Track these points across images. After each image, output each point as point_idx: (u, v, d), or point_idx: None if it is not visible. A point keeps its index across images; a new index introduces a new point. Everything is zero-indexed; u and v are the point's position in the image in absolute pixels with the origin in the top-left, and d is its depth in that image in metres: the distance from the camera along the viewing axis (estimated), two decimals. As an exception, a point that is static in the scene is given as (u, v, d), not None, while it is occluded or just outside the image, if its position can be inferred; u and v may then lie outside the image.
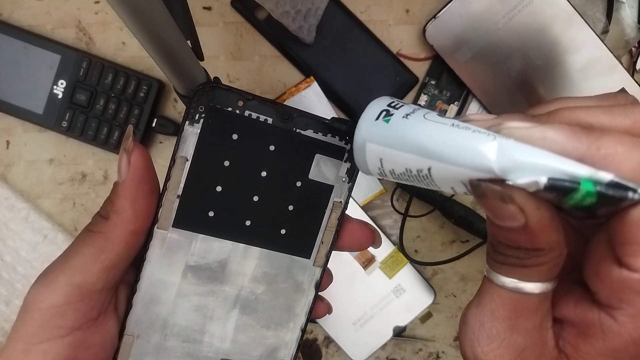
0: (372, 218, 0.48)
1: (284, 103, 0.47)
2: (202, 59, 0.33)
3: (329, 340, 0.51)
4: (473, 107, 0.48)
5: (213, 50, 0.48)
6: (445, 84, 0.48)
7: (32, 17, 0.48)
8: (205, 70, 0.34)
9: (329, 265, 0.27)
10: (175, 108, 0.49)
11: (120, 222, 0.22)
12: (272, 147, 0.24)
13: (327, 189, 0.25)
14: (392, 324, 0.48)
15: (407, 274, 0.48)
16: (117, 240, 0.22)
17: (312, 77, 0.47)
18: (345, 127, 0.24)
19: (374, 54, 0.48)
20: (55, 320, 0.21)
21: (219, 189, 0.24)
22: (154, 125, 0.47)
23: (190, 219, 0.24)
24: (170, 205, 0.24)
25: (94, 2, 0.48)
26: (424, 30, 0.47)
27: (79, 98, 0.46)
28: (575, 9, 0.45)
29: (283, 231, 0.25)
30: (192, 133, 0.23)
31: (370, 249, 0.47)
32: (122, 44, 0.48)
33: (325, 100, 0.47)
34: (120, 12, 0.25)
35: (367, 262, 0.48)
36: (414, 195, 0.49)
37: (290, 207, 0.25)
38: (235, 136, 0.24)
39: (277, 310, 0.26)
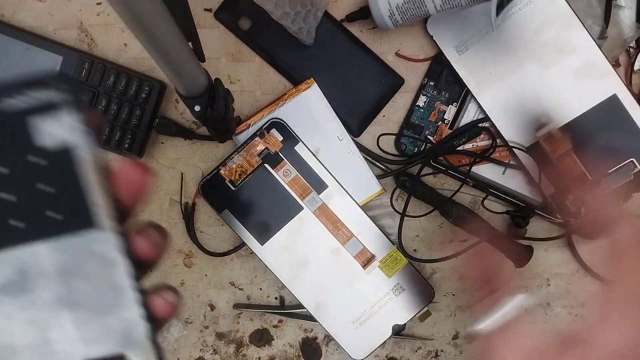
0: (371, 218, 0.48)
1: (282, 102, 0.47)
2: (203, 60, 0.34)
3: (328, 338, 0.51)
4: (472, 108, 0.48)
5: (214, 52, 0.49)
6: (444, 85, 0.49)
7: (34, 18, 0.48)
8: (206, 71, 0.35)
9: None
10: (176, 109, 0.49)
11: None
12: None
13: (68, 150, 0.23)
14: (392, 322, 0.48)
15: (406, 273, 0.48)
16: None
17: (312, 79, 0.48)
18: (52, 78, 0.22)
19: (358, 58, 0.48)
20: None
21: None
22: (155, 125, 0.47)
23: None
24: None
25: (95, 4, 0.49)
26: (425, 21, 0.47)
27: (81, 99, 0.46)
28: (574, 12, 0.45)
29: (52, 214, 0.24)
30: None
31: (370, 249, 0.48)
32: (123, 45, 0.49)
33: (325, 102, 0.48)
34: (122, 14, 0.25)
35: (367, 262, 0.48)
36: (413, 195, 0.49)
37: (45, 187, 0.23)
38: None
39: (102, 294, 0.25)
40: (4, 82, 0.22)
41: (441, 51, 0.48)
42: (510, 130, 0.47)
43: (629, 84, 0.50)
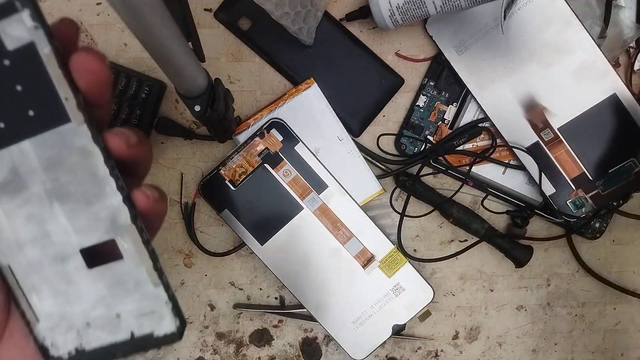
0: (371, 218, 0.48)
1: (282, 102, 0.47)
2: (203, 60, 0.34)
3: (329, 338, 0.51)
4: (472, 108, 0.48)
5: (214, 52, 0.49)
6: (444, 85, 0.49)
7: (34, 19, 0.48)
8: (206, 71, 0.35)
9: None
10: (176, 109, 0.49)
11: None
12: None
13: (28, 47, 0.24)
14: (392, 322, 0.49)
15: (406, 273, 0.48)
16: None
17: (312, 79, 0.48)
18: None
19: (358, 58, 0.48)
20: None
21: None
22: (155, 125, 0.47)
23: None
24: None
25: (95, 4, 0.49)
26: (425, 21, 0.47)
27: (81, 99, 0.46)
28: (574, 12, 0.45)
29: (31, 112, 0.25)
30: None
31: (370, 250, 0.48)
32: (123, 45, 0.49)
33: (325, 102, 0.48)
34: (122, 14, 0.25)
35: (367, 262, 0.48)
36: (413, 195, 0.49)
37: (18, 87, 0.25)
38: None
39: (85, 184, 0.26)
40: None
41: (441, 51, 0.48)
42: (510, 130, 0.47)
43: (629, 84, 0.50)
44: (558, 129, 0.47)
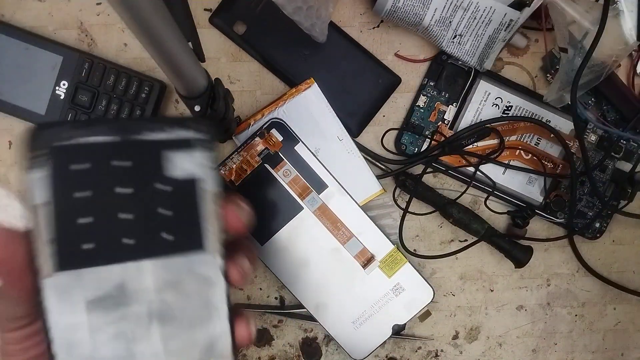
0: (371, 218, 0.48)
1: (282, 102, 0.47)
2: (203, 60, 0.34)
3: (329, 338, 0.51)
4: (472, 108, 0.48)
5: (214, 52, 0.49)
6: (444, 85, 0.49)
7: (34, 19, 0.48)
8: (206, 71, 0.35)
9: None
10: (176, 109, 0.49)
11: (9, 291, 0.24)
12: (124, 163, 0.25)
13: (191, 181, 0.26)
14: (392, 322, 0.48)
15: (406, 273, 0.48)
16: (11, 302, 0.24)
17: (312, 79, 0.48)
18: (192, 121, 0.25)
19: (354, 59, 0.48)
20: None
21: (89, 220, 0.24)
22: (155, 125, 0.47)
23: (71, 257, 0.24)
24: (46, 253, 0.24)
25: (95, 4, 0.49)
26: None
27: (81, 99, 0.46)
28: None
29: (165, 235, 0.26)
30: (41, 177, 0.24)
31: (370, 249, 0.48)
32: (123, 45, 0.49)
33: (325, 102, 0.48)
34: (122, 14, 0.25)
35: (367, 262, 0.48)
36: (414, 196, 0.49)
37: (163, 211, 0.25)
38: (86, 165, 0.24)
39: (195, 310, 0.27)
40: (147, 118, 0.26)
41: (441, 51, 0.48)
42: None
43: (631, 86, 0.50)
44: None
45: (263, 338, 0.51)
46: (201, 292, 0.26)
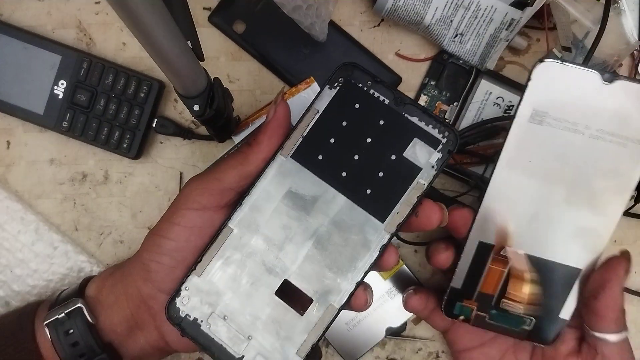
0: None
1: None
2: (202, 60, 0.33)
3: (328, 340, 0.51)
4: (473, 107, 0.48)
5: (213, 51, 0.49)
6: (445, 85, 0.49)
7: (32, 18, 0.48)
8: (205, 70, 0.34)
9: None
10: (175, 108, 0.49)
11: (257, 150, 0.32)
12: (381, 122, 0.31)
13: (416, 169, 0.30)
14: (385, 325, 0.48)
15: (401, 276, 0.48)
16: (252, 160, 0.32)
17: (312, 78, 0.47)
18: (447, 126, 0.30)
19: (355, 58, 0.48)
20: (197, 196, 0.32)
21: (332, 140, 0.31)
22: (154, 125, 0.47)
23: (305, 155, 0.31)
24: (294, 141, 0.31)
25: (94, 3, 0.48)
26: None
27: (79, 98, 0.46)
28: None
29: (368, 191, 0.31)
30: (327, 94, 0.31)
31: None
32: (122, 44, 0.48)
33: (325, 101, 0.47)
34: (121, 13, 0.25)
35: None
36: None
37: (381, 174, 0.30)
38: (357, 105, 0.31)
39: (343, 257, 0.31)
40: (420, 106, 0.31)
41: (442, 50, 0.47)
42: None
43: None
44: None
45: (263, 339, 0.51)
46: (356, 250, 0.31)
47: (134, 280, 0.35)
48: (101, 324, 0.35)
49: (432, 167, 0.30)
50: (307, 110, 0.31)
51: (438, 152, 0.30)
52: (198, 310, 0.31)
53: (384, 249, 0.30)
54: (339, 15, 0.49)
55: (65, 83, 0.46)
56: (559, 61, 0.34)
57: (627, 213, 0.50)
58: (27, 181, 0.48)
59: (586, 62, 0.42)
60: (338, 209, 0.31)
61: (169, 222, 0.33)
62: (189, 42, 0.31)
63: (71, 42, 0.48)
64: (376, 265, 0.31)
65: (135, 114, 0.46)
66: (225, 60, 0.49)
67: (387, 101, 0.31)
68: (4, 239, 0.47)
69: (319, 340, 0.30)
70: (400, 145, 0.30)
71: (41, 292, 0.47)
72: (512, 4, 0.45)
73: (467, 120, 0.48)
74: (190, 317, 0.31)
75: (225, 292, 0.31)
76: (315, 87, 0.47)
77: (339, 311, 0.31)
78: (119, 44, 0.48)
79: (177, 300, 0.31)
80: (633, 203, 0.49)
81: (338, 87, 0.31)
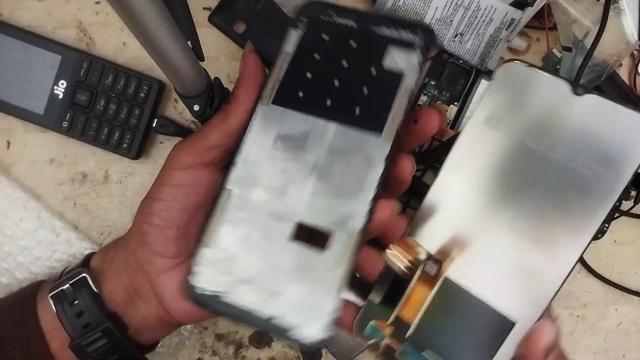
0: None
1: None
2: (202, 60, 0.33)
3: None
4: (474, 107, 0.48)
5: (213, 51, 0.49)
6: (445, 84, 0.49)
7: (32, 18, 0.48)
8: (205, 70, 0.34)
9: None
10: (175, 108, 0.49)
11: (236, 104, 0.32)
12: (353, 44, 0.30)
13: (399, 75, 0.30)
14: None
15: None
16: (234, 115, 0.31)
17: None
18: (416, 26, 0.30)
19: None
20: (182, 156, 0.32)
21: (309, 76, 0.30)
22: (154, 125, 0.47)
23: (285, 98, 0.31)
24: (272, 87, 0.31)
25: (94, 3, 0.48)
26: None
27: (79, 98, 0.46)
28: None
29: (358, 110, 0.30)
30: (295, 35, 0.31)
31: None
32: (122, 44, 0.48)
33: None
34: (121, 13, 0.25)
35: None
36: (414, 196, 0.49)
37: (366, 91, 0.30)
38: (325, 37, 0.31)
39: (350, 181, 0.29)
40: (387, 15, 0.32)
41: (442, 50, 0.47)
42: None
43: (632, 86, 0.49)
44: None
45: (263, 339, 0.51)
46: (361, 169, 0.29)
47: (131, 247, 0.34)
48: (105, 294, 0.35)
49: (415, 68, 0.29)
50: (279, 54, 0.31)
51: (416, 52, 0.30)
52: (216, 282, 0.29)
53: (389, 159, 0.29)
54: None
55: (65, 83, 0.46)
56: (526, 64, 0.30)
57: (627, 213, 0.50)
58: (27, 181, 0.48)
59: (586, 61, 0.42)
60: (332, 137, 0.30)
61: (157, 183, 0.33)
62: (189, 42, 0.31)
63: (71, 42, 0.48)
64: (393, 179, 0.29)
65: (136, 114, 0.46)
66: (225, 60, 0.49)
67: (353, 23, 0.31)
68: (6, 226, 0.47)
69: (350, 269, 0.28)
70: (378, 59, 0.30)
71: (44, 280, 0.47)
72: (512, 4, 0.45)
73: (467, 121, 0.49)
74: (209, 291, 0.29)
75: (240, 255, 0.29)
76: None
77: (364, 234, 0.28)
78: (119, 44, 0.48)
79: (191, 278, 0.29)
80: (633, 203, 0.49)
81: (304, 27, 0.31)
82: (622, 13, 0.45)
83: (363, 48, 0.30)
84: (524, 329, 0.28)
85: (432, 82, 0.49)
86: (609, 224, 0.50)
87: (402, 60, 0.30)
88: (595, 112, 0.28)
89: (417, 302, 0.29)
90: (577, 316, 0.52)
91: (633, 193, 0.50)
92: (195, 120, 0.49)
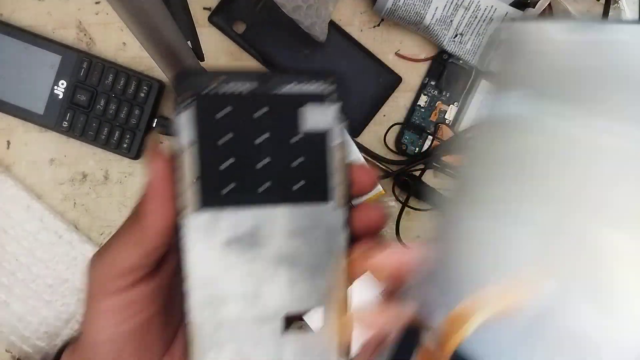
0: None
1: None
2: (202, 60, 0.33)
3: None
4: (473, 107, 0.48)
5: (213, 51, 0.49)
6: (445, 84, 0.49)
7: (32, 18, 0.48)
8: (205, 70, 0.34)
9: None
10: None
11: (152, 221, 0.26)
12: (262, 111, 0.27)
13: (323, 134, 0.28)
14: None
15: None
16: (152, 234, 0.26)
17: (312, 78, 0.48)
18: (325, 74, 0.27)
19: (354, 58, 0.48)
20: (107, 283, 0.26)
21: (230, 162, 0.27)
22: (154, 125, 0.47)
23: (214, 197, 0.26)
24: (192, 190, 0.26)
25: (94, 3, 0.48)
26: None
27: (79, 98, 0.46)
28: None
29: (299, 184, 0.28)
30: (187, 119, 0.26)
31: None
32: (122, 44, 0.48)
33: (325, 101, 0.47)
34: (121, 13, 0.25)
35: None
36: (414, 196, 0.49)
37: (298, 161, 0.27)
38: (227, 110, 0.26)
39: (318, 257, 0.28)
40: (286, 71, 0.28)
41: (442, 50, 0.47)
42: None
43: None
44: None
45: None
46: (325, 241, 0.28)
47: None
48: None
49: (336, 119, 0.27)
50: (179, 149, 0.26)
51: (330, 102, 0.27)
52: None
53: (349, 220, 0.28)
54: (339, 15, 0.49)
55: (65, 83, 0.46)
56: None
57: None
58: (27, 181, 0.48)
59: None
60: (284, 222, 0.28)
61: (86, 321, 0.28)
62: (189, 42, 0.31)
63: (71, 42, 0.48)
64: (363, 232, 0.29)
65: (136, 114, 0.46)
66: (225, 60, 0.49)
67: (252, 88, 0.27)
68: (10, 226, 0.47)
69: (348, 336, 0.28)
70: (294, 122, 0.27)
71: (44, 281, 0.47)
72: (512, 4, 0.45)
73: (467, 121, 0.49)
74: None
75: None
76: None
77: (347, 297, 0.29)
78: (119, 43, 0.48)
79: None
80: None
81: (195, 105, 0.26)
82: (622, 13, 0.45)
83: (274, 115, 0.27)
84: None
85: (432, 82, 0.49)
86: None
87: (320, 116, 0.27)
88: None
89: None
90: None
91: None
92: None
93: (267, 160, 0.27)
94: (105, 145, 0.47)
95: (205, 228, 0.26)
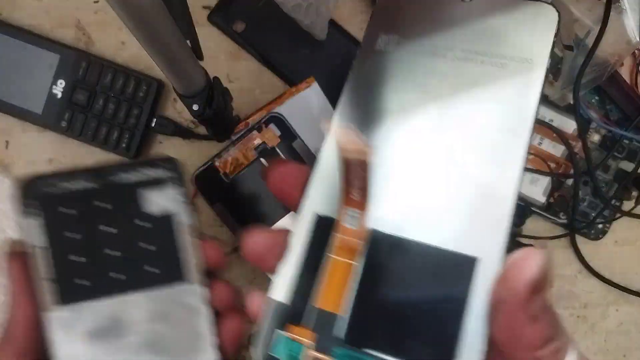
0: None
1: (281, 101, 0.47)
2: (201, 59, 0.33)
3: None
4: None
5: (212, 50, 0.48)
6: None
7: (31, 17, 0.48)
8: (204, 70, 0.34)
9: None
10: (174, 108, 0.49)
11: (15, 324, 0.26)
12: (106, 205, 0.28)
13: (168, 217, 0.28)
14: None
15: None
16: (19, 337, 0.26)
17: (312, 77, 0.47)
18: (162, 160, 0.28)
19: (354, 57, 0.48)
20: None
21: (83, 259, 0.27)
22: (153, 125, 0.46)
23: (71, 294, 0.27)
24: (47, 289, 0.27)
25: (93, 2, 0.48)
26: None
27: (78, 98, 0.46)
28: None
29: (149, 269, 0.28)
30: (34, 226, 0.27)
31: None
32: (121, 43, 0.48)
33: (325, 101, 0.47)
34: (120, 12, 0.25)
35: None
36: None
37: (146, 246, 0.28)
38: (72, 211, 0.27)
39: (184, 338, 0.28)
40: (122, 162, 0.28)
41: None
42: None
43: (634, 85, 0.49)
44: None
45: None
46: (188, 321, 0.28)
47: None
48: None
49: (178, 201, 0.28)
50: (30, 253, 0.27)
51: (171, 185, 0.28)
52: None
53: (208, 299, 0.28)
54: (339, 14, 0.48)
55: (63, 82, 0.46)
56: None
57: (628, 213, 0.50)
58: (25, 181, 0.48)
59: (588, 61, 0.42)
60: (143, 308, 0.28)
61: None
62: (188, 42, 0.31)
63: (70, 41, 0.48)
64: (224, 309, 0.29)
65: (134, 113, 0.46)
66: (224, 59, 0.49)
67: (92, 185, 0.28)
68: (8, 227, 0.47)
69: None
70: (138, 209, 0.28)
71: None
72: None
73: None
74: None
75: None
76: (315, 87, 0.47)
77: None
78: (117, 43, 0.48)
79: None
80: (634, 204, 0.49)
81: (39, 211, 0.27)
82: (624, 12, 0.45)
83: (117, 205, 0.28)
84: (492, 265, 0.21)
85: (433, 82, 0.48)
86: (605, 219, 0.50)
87: (163, 200, 0.28)
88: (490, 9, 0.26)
89: (338, 281, 0.22)
90: (578, 316, 0.52)
91: (634, 193, 0.50)
92: (194, 119, 0.48)
93: (117, 252, 0.27)
94: (104, 144, 0.46)
95: (66, 323, 0.27)
